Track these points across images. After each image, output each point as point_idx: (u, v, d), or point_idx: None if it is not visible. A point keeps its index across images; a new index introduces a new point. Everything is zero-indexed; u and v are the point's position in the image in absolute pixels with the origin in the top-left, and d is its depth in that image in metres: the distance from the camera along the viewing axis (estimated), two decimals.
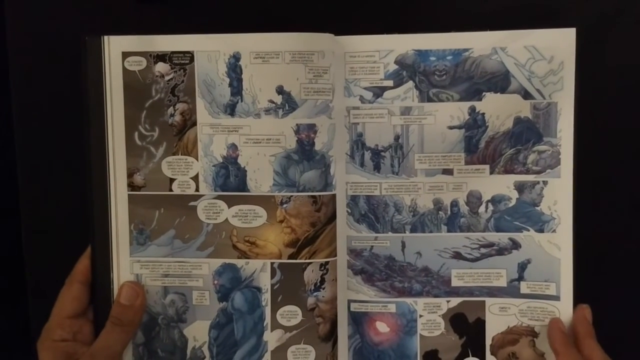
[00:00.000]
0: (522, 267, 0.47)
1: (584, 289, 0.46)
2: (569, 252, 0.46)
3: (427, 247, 0.47)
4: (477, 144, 0.46)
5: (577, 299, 0.46)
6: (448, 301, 0.47)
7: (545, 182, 0.46)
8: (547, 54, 0.45)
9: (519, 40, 0.45)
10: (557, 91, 0.45)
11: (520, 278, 0.47)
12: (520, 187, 0.46)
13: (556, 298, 0.46)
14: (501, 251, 0.47)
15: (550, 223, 0.46)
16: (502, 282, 0.47)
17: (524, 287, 0.47)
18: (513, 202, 0.46)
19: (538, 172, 0.46)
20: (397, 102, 0.46)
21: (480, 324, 0.47)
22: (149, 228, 0.46)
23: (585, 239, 0.46)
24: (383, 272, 0.47)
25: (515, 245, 0.47)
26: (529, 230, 0.46)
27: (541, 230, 0.46)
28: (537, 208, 0.46)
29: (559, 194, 0.46)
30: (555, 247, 0.46)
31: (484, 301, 0.47)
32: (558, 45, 0.45)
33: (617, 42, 0.47)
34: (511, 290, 0.47)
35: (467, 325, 0.47)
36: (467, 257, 0.47)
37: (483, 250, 0.47)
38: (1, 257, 0.53)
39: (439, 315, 0.47)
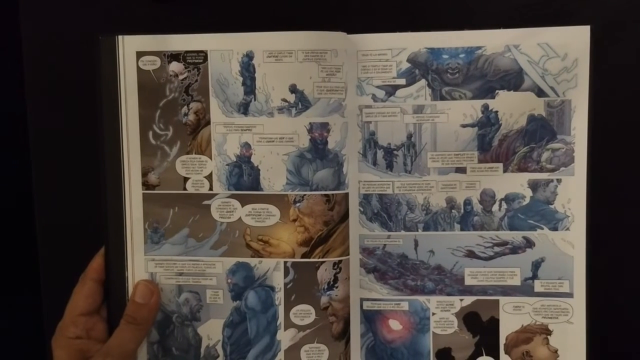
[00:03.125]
0: (536, 265, 0.47)
1: (598, 286, 0.46)
2: (582, 249, 0.46)
3: (440, 246, 0.47)
4: (490, 142, 0.46)
5: (590, 296, 0.46)
6: (461, 300, 0.47)
7: (559, 180, 0.46)
8: (560, 51, 0.45)
9: (532, 38, 0.45)
10: (571, 89, 0.45)
11: (534, 276, 0.47)
12: (534, 186, 0.46)
13: (569, 295, 0.46)
14: (515, 250, 0.47)
15: (564, 221, 0.46)
16: (516, 281, 0.47)
17: (537, 286, 0.47)
18: (527, 200, 0.46)
19: (552, 170, 0.46)
20: (409, 101, 0.46)
21: (494, 322, 0.47)
22: (163, 227, 0.46)
23: (599, 236, 0.46)
24: (396, 270, 0.47)
25: (529, 243, 0.47)
26: (542, 229, 0.46)
27: (555, 229, 0.46)
28: (551, 206, 0.46)
29: (572, 192, 0.46)
30: (569, 245, 0.46)
31: (497, 300, 0.47)
32: (572, 42, 0.45)
33: (631, 41, 0.47)
34: (525, 289, 0.47)
35: (480, 324, 0.47)
36: (481, 255, 0.47)
37: (497, 249, 0.47)
38: (16, 255, 0.53)
39: (452, 314, 0.47)
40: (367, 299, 0.48)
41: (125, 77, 0.46)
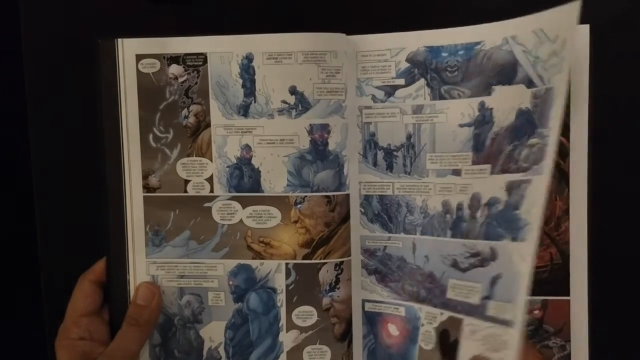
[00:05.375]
0: (493, 282, 0.40)
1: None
2: (528, 266, 0.38)
3: (434, 252, 0.45)
4: (484, 142, 0.44)
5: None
6: (441, 313, 0.44)
7: (529, 181, 0.40)
8: (552, 34, 0.41)
9: (529, 26, 0.42)
10: (557, 74, 0.40)
11: (489, 296, 0.41)
12: (509, 188, 0.41)
13: (511, 324, 0.39)
14: (482, 262, 0.42)
15: (524, 230, 0.39)
16: (476, 299, 0.41)
17: (490, 308, 0.40)
18: (502, 205, 0.41)
19: (525, 170, 0.40)
20: (408, 101, 0.46)
21: (456, 346, 0.42)
22: (165, 229, 0.46)
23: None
24: (395, 273, 0.47)
25: (493, 255, 0.41)
26: (506, 239, 0.40)
27: (515, 239, 0.39)
28: (516, 212, 0.40)
29: (536, 195, 0.38)
30: (523, 260, 0.39)
31: (462, 320, 0.42)
32: (561, 22, 0.40)
33: (631, 41, 0.47)
34: (481, 310, 0.41)
35: (448, 345, 0.43)
36: (460, 266, 0.43)
37: (472, 260, 0.42)
38: (16, 257, 0.53)
39: (434, 328, 0.44)
40: (369, 300, 0.48)
41: (125, 80, 0.45)
